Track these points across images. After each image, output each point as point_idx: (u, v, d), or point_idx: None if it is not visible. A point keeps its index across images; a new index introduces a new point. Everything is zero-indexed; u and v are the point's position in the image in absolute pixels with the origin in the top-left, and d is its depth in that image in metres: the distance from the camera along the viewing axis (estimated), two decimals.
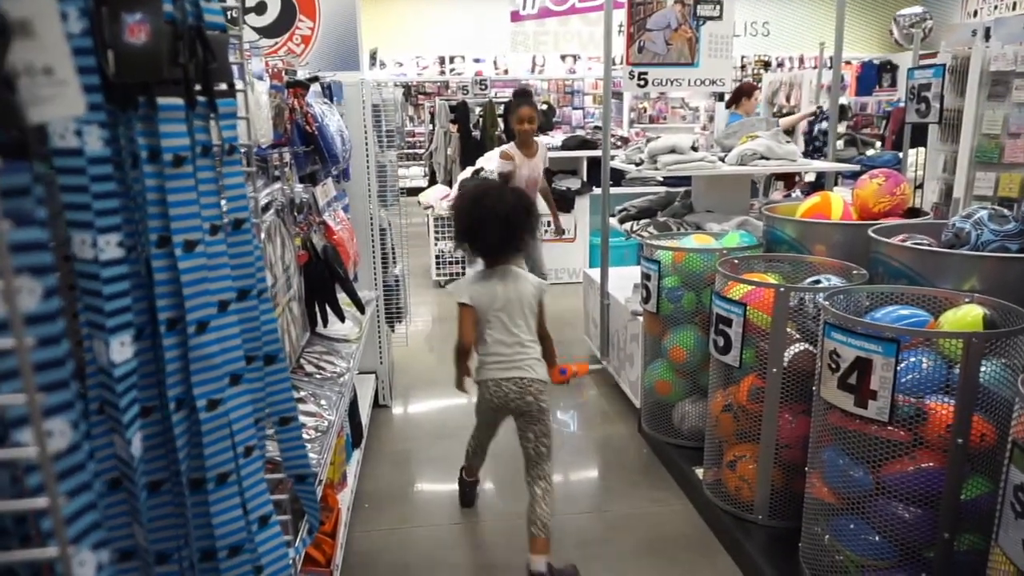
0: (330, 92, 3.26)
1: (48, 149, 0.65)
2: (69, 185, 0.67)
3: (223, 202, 0.90)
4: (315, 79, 2.97)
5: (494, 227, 2.40)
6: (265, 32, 3.84)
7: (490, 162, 6.74)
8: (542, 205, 4.60)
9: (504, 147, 4.40)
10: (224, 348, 0.86)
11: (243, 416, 0.88)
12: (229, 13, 1.39)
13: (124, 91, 0.76)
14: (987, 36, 4.31)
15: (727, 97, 6.64)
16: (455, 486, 3.16)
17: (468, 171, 6.70)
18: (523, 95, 4.65)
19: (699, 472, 2.95)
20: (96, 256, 0.69)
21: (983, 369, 1.87)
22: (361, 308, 2.91)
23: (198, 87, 0.85)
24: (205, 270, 0.83)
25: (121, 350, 0.72)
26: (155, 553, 0.84)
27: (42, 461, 0.51)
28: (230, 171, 0.92)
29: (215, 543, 0.85)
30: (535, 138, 4.46)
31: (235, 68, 1.14)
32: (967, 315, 2.01)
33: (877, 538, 2.03)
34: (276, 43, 3.87)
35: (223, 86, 0.88)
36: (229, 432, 0.86)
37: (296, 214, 2.46)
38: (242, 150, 1.05)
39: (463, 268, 6.45)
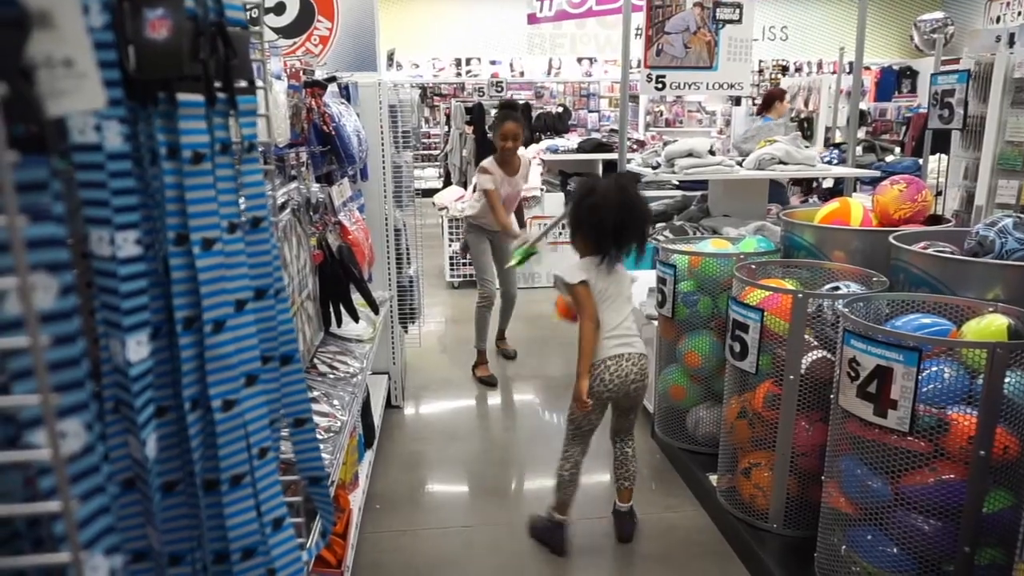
0: (347, 92, 3.26)
1: (67, 144, 0.64)
2: (87, 181, 0.66)
3: (241, 200, 0.89)
4: (333, 79, 2.97)
5: (638, 223, 2.47)
6: (284, 32, 3.86)
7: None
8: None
9: (484, 162, 4.24)
10: (240, 348, 0.85)
11: (258, 417, 0.87)
12: (249, 13, 1.39)
13: (144, 87, 0.76)
14: (1011, 42, 4.26)
15: (755, 103, 6.62)
16: (466, 487, 3.14)
17: None
18: (509, 108, 4.40)
19: (713, 479, 2.92)
20: (114, 254, 0.68)
21: (1007, 380, 1.84)
22: (375, 308, 2.90)
23: (218, 84, 0.84)
24: (223, 268, 0.82)
25: (137, 349, 0.71)
26: (168, 555, 0.83)
27: (56, 463, 0.50)
28: (249, 169, 0.91)
29: (228, 545, 0.84)
30: (521, 153, 4.32)
31: (255, 67, 1.13)
32: (991, 325, 1.98)
33: (895, 550, 1.99)
34: (294, 43, 3.88)
35: (243, 83, 0.87)
36: (244, 433, 0.85)
37: (312, 214, 2.46)
38: (260, 148, 1.04)
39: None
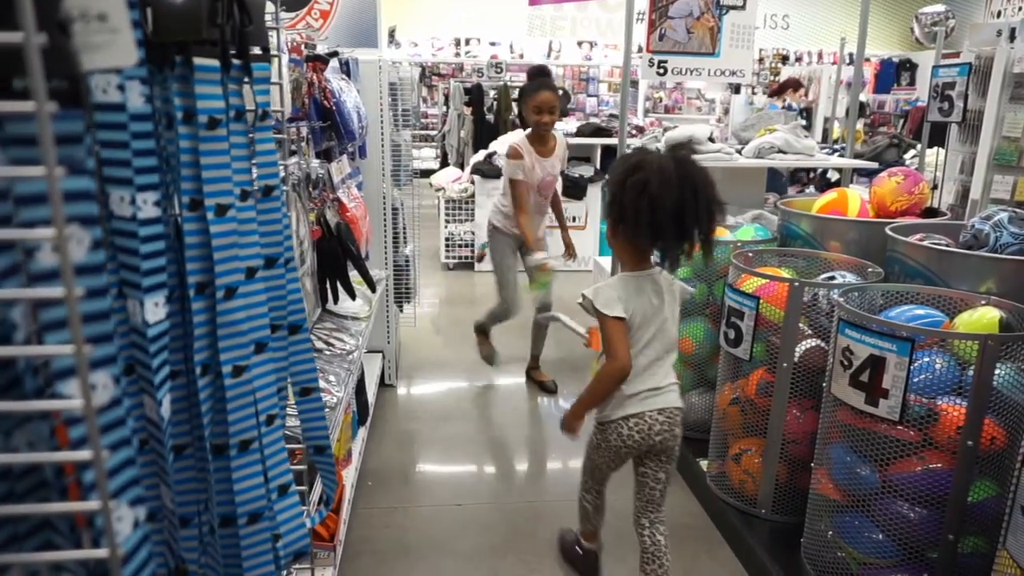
0: (348, 68, 3.24)
1: (90, 103, 0.64)
2: (109, 141, 0.66)
3: (253, 168, 0.89)
4: (335, 54, 2.95)
5: (703, 209, 1.82)
6: (285, 5, 3.81)
7: (504, 146, 6.71)
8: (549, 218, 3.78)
9: (514, 140, 3.49)
10: (251, 315, 0.85)
11: (267, 384, 0.88)
12: None
13: (161, 50, 0.76)
14: (1012, 37, 4.27)
15: (752, 91, 6.56)
16: (458, 467, 3.16)
17: (481, 155, 6.67)
18: (542, 75, 3.75)
19: (703, 464, 2.95)
20: (134, 214, 0.68)
21: (997, 372, 1.86)
22: (372, 286, 2.91)
23: (233, 50, 0.84)
24: (235, 235, 0.82)
25: (155, 310, 0.71)
26: (177, 516, 0.84)
27: (88, 413, 0.50)
28: (262, 137, 0.91)
29: (235, 509, 0.85)
30: (555, 132, 3.59)
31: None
32: (983, 317, 2.00)
33: (881, 536, 2.03)
34: (295, 16, 3.84)
35: (258, 50, 0.87)
36: (253, 399, 0.86)
37: (311, 189, 2.45)
38: (274, 116, 1.04)
39: (472, 251, 6.41)
